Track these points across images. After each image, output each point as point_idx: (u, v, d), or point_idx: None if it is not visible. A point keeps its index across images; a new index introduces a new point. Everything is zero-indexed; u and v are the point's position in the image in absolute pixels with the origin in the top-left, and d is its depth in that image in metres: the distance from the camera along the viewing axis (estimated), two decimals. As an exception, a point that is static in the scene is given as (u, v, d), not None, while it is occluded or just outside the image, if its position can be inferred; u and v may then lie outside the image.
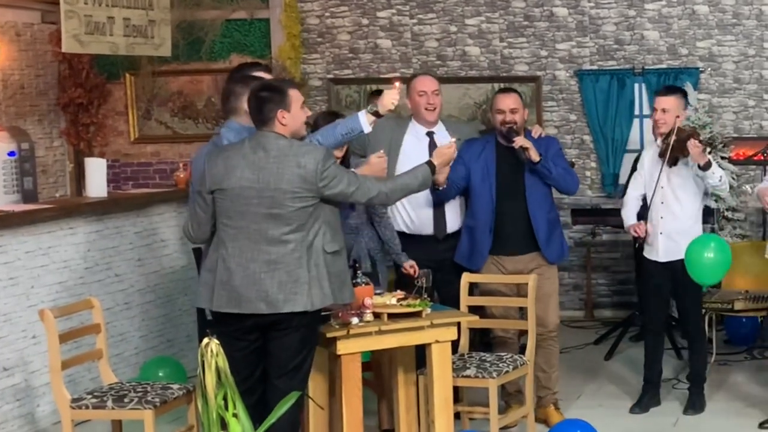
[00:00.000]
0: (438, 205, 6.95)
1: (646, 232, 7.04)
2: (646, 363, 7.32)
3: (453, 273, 6.81)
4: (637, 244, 7.36)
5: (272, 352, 5.31)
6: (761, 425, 6.81)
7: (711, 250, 6.58)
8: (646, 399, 7.27)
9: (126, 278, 7.90)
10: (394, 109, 5.87)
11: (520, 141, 6.71)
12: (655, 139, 7.19)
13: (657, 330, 7.31)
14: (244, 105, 5.65)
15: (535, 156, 6.71)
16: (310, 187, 5.21)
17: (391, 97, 5.77)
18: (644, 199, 7.19)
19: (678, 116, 7.00)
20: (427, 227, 6.98)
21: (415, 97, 7.02)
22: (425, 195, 6.78)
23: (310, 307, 5.23)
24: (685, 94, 7.36)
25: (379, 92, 8.75)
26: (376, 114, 5.77)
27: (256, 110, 5.31)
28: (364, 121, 5.75)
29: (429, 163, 5.69)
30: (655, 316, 7.30)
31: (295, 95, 5.33)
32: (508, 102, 6.81)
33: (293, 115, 5.31)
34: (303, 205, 5.21)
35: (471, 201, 6.95)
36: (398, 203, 6.72)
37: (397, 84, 5.86)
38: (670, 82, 9.73)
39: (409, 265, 6.69)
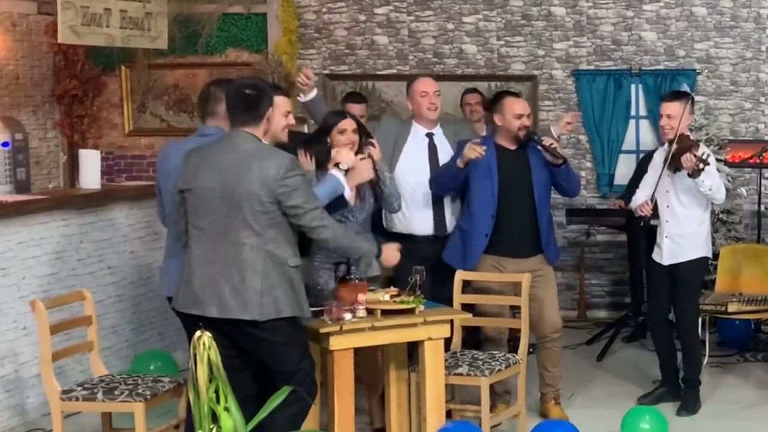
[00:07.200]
0: (437, 204, 6.97)
1: (652, 212, 6.98)
2: (660, 364, 7.39)
3: (447, 272, 6.74)
4: (641, 223, 7.22)
5: (264, 360, 5.23)
6: None
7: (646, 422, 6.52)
8: (658, 393, 7.33)
9: (118, 271, 7.88)
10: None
11: (549, 139, 6.75)
12: (662, 144, 7.15)
13: (661, 329, 7.36)
14: (223, 109, 5.58)
15: (561, 154, 6.75)
16: (269, 192, 5.06)
17: (348, 155, 6.02)
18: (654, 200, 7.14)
19: (680, 118, 6.95)
20: (423, 228, 6.99)
21: (417, 98, 7.10)
22: (423, 195, 6.94)
23: (259, 318, 5.07)
24: (690, 99, 7.24)
25: (353, 94, 8.77)
26: (346, 171, 6.00)
27: (242, 107, 5.19)
28: (344, 180, 5.91)
29: (379, 252, 5.75)
30: (658, 317, 7.36)
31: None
32: (526, 106, 6.89)
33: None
34: (262, 210, 5.07)
35: (468, 201, 6.88)
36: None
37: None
38: (666, 84, 9.75)
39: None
